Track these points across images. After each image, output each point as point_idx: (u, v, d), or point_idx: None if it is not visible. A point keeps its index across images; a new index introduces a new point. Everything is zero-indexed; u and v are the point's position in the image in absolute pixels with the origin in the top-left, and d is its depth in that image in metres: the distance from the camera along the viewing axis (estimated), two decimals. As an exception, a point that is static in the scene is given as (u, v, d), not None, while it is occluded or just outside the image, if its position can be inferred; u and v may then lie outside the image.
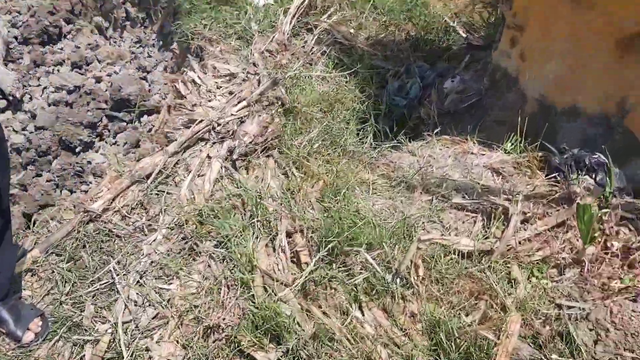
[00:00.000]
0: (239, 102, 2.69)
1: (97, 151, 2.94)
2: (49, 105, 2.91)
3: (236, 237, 2.04)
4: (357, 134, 2.94)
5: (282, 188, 2.34)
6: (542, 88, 2.65)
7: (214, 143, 2.57)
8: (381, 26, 3.90)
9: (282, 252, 1.99)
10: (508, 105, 2.82)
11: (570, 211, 2.08)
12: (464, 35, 4.10)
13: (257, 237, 2.05)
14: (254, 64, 3.12)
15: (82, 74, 3.14)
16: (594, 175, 2.33)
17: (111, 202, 2.24)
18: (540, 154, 2.48)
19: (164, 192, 2.33)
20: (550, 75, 2.58)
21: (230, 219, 2.11)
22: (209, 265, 2.00)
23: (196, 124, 2.58)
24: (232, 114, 2.64)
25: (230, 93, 2.88)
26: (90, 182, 2.77)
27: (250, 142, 2.52)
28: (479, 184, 2.33)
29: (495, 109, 2.89)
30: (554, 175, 2.35)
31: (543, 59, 2.59)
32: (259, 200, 2.17)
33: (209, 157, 2.50)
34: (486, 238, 2.08)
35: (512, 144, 2.64)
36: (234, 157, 2.46)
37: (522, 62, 2.67)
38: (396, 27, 3.92)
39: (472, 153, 2.63)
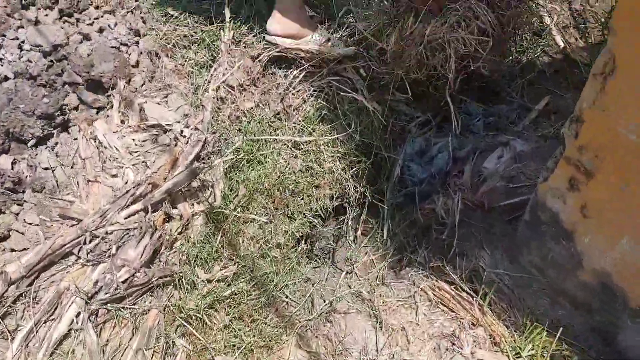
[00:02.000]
0: (131, 203, 1.83)
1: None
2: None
3: None
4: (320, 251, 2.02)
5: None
6: (609, 264, 1.58)
7: (84, 265, 1.77)
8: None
9: None
10: (551, 257, 1.76)
11: None
12: (561, 43, 2.85)
13: None
14: (202, 107, 2.18)
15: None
16: None
17: None
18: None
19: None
20: (629, 258, 1.50)
21: None
22: None
23: (60, 235, 1.77)
24: (117, 222, 1.79)
25: (144, 164, 2.00)
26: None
27: (127, 280, 1.70)
28: None
29: (532, 249, 1.84)
30: None
31: (618, 231, 1.49)
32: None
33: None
34: None
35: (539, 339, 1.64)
36: (92, 306, 1.66)
37: (582, 217, 1.57)
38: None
39: (463, 349, 1.66)
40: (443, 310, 1.79)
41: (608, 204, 1.48)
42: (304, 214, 1.98)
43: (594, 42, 2.87)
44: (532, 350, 1.60)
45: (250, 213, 1.91)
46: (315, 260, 2.02)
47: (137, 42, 2.34)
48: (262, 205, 1.94)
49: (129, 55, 2.29)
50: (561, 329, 1.73)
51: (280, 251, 1.86)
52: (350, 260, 2.18)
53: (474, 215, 2.19)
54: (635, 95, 1.24)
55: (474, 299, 1.80)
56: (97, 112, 2.18)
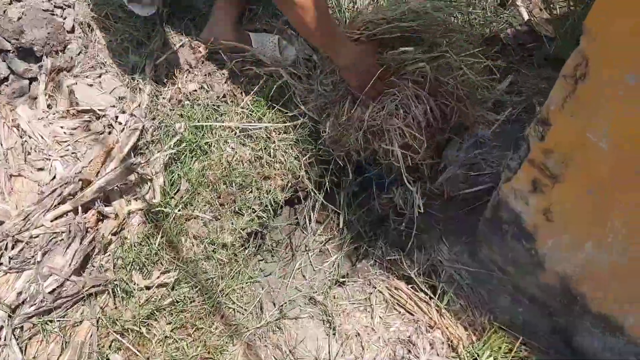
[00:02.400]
0: (59, 203, 1.64)
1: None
2: None
3: None
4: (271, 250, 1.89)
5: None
6: (572, 268, 1.51)
7: (6, 272, 1.59)
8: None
9: None
10: (511, 256, 1.69)
11: None
12: (526, 15, 2.73)
13: None
14: (139, 90, 1.98)
15: None
16: None
17: None
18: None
19: None
20: (592, 263, 1.43)
21: None
22: None
23: (-24, 240, 1.58)
24: (43, 225, 1.61)
25: (74, 156, 1.80)
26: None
27: (54, 290, 1.54)
28: None
29: (493, 245, 1.75)
30: None
31: (582, 235, 1.41)
32: None
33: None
34: None
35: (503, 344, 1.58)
36: (15, 320, 1.50)
37: (545, 220, 1.48)
38: None
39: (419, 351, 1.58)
40: (400, 312, 1.71)
41: (573, 208, 1.39)
42: (252, 208, 1.83)
43: (559, 14, 2.75)
44: (490, 357, 1.54)
45: (194, 210, 1.76)
46: (265, 259, 1.89)
47: (72, 6, 2.10)
48: (206, 201, 1.79)
49: (64, 19, 2.05)
50: (521, 329, 1.68)
51: (226, 252, 1.72)
52: (305, 250, 2.06)
53: (434, 205, 2.09)
54: (609, 103, 1.13)
55: (432, 300, 1.71)
56: (30, 84, 1.96)
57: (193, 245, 1.72)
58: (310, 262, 2.04)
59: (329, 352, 1.58)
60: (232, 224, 1.78)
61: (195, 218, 1.76)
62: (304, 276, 1.97)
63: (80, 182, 1.69)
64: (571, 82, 1.18)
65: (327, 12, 1.61)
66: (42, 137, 1.83)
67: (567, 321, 1.63)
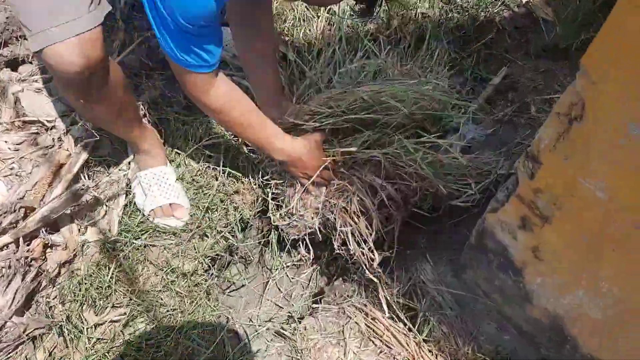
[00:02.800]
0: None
1: None
2: None
3: None
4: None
5: None
6: (564, 309, 1.36)
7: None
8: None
9: None
10: (498, 283, 1.54)
11: None
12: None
13: None
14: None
15: None
16: None
17: None
18: None
19: None
20: (585, 309, 1.29)
21: None
22: None
23: None
24: (-20, 260, 1.46)
25: (18, 177, 1.63)
26: None
27: (-5, 334, 1.40)
28: None
29: (478, 270, 1.61)
30: None
31: (574, 280, 1.26)
32: None
33: None
34: None
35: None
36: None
37: (534, 258, 1.33)
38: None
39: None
40: (376, 345, 1.57)
41: (564, 252, 1.23)
42: (218, 230, 1.68)
43: (559, -6, 2.53)
44: (472, 399, 1.41)
45: (155, 239, 1.60)
46: (233, 283, 1.74)
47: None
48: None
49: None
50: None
51: (186, 282, 1.58)
52: (274, 269, 1.91)
53: (417, 215, 1.93)
54: (607, 150, 0.96)
55: (411, 332, 1.58)
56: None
57: (150, 275, 1.57)
58: (286, 274, 1.90)
59: (297, 395, 1.45)
60: (195, 249, 1.63)
61: (153, 245, 1.61)
62: (279, 289, 1.84)
63: (23, 210, 1.53)
64: (565, 121, 1.01)
65: (251, 109, 1.40)
66: (-18, 155, 1.67)
67: (555, 357, 1.51)
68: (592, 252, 1.16)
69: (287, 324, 1.61)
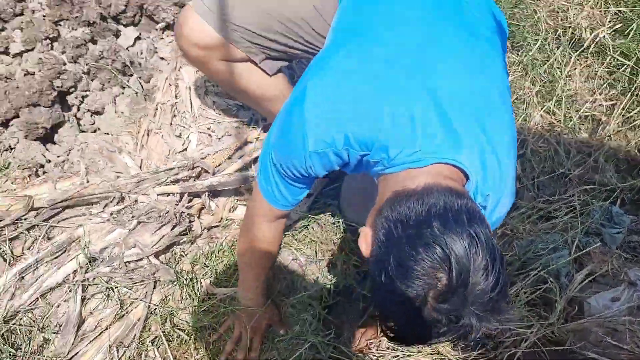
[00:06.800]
0: (171, 182, 1.65)
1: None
2: None
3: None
4: None
5: None
6: None
7: (105, 221, 1.66)
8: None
9: None
10: None
11: None
12: None
13: None
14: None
15: None
16: None
17: None
18: None
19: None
20: None
21: None
22: None
23: (92, 184, 1.65)
24: (149, 195, 1.64)
25: (210, 136, 1.79)
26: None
27: (130, 263, 1.57)
28: None
29: None
30: None
31: None
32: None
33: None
34: None
35: None
36: (88, 274, 1.56)
37: None
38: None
39: None
40: None
41: None
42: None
43: None
44: None
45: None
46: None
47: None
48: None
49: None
50: None
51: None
52: None
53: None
54: None
55: None
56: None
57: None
58: None
59: None
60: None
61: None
62: None
63: (198, 170, 1.68)
64: None
65: (259, 264, 1.45)
66: (191, 106, 1.85)
67: None
68: None
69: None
